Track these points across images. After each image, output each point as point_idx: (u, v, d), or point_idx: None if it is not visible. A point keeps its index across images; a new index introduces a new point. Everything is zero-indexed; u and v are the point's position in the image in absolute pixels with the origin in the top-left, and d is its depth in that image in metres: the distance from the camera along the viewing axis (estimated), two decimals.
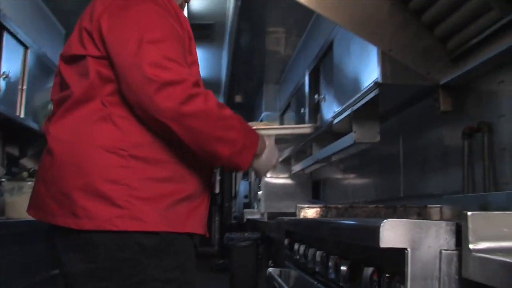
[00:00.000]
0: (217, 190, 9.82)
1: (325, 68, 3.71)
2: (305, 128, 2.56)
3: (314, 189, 5.68)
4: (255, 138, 1.65)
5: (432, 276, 0.89)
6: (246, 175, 8.73)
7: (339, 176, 4.65)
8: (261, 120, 6.26)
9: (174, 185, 1.56)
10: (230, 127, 1.56)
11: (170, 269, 1.51)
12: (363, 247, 1.18)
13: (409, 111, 2.99)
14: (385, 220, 0.90)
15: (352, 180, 4.23)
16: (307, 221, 1.85)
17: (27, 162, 4.52)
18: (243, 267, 4.15)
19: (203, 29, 4.27)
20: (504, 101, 2.12)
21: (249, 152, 1.62)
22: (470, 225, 0.86)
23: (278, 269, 2.17)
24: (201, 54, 5.21)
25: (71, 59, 1.61)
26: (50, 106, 4.18)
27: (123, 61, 1.49)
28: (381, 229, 0.91)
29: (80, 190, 1.47)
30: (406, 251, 0.90)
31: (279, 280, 1.94)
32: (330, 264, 1.34)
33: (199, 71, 1.74)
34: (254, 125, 1.85)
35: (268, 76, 5.98)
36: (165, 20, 1.57)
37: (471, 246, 0.85)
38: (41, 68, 4.02)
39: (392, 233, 0.91)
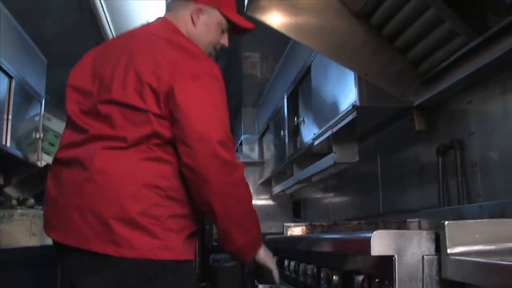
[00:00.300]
0: None
1: (303, 91, 3.84)
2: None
3: (294, 209, 5.79)
4: (261, 239, 1.89)
5: (416, 278, 1.03)
6: None
7: (319, 195, 4.78)
8: (241, 143, 6.37)
9: (189, 221, 1.77)
10: (254, 222, 1.82)
11: (184, 286, 1.73)
12: (352, 258, 1.31)
13: (385, 131, 3.14)
14: (374, 232, 1.04)
15: (332, 199, 4.36)
16: (299, 238, 1.97)
17: (11, 191, 4.56)
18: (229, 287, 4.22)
19: None
20: (473, 119, 2.27)
21: (257, 247, 1.86)
22: (447, 233, 1.00)
23: (268, 285, 2.27)
24: None
25: (123, 105, 1.73)
26: (34, 134, 4.27)
27: (195, 130, 1.68)
28: (372, 239, 1.04)
29: (121, 221, 1.64)
30: (393, 257, 1.04)
31: None
32: (322, 275, 1.47)
33: None
34: None
35: (246, 100, 6.10)
36: (225, 97, 1.78)
37: (448, 251, 0.99)
38: (24, 97, 4.10)
39: (381, 242, 1.05)
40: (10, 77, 3.76)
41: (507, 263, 0.80)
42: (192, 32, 1.96)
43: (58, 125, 4.86)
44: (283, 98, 4.40)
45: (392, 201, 3.08)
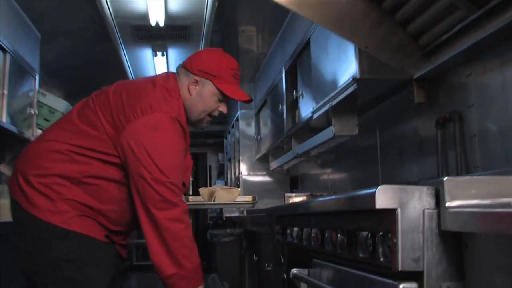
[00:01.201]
0: (190, 192, 9.98)
1: (302, 65, 3.94)
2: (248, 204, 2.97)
3: (292, 185, 5.92)
4: (200, 281, 2.17)
5: (417, 230, 1.16)
6: (222, 175, 8.94)
7: (317, 171, 4.91)
8: (237, 119, 6.48)
9: (96, 213, 2.16)
10: (189, 257, 2.12)
11: (70, 253, 2.09)
12: (355, 217, 1.44)
13: (385, 104, 3.25)
14: (379, 187, 1.17)
15: (331, 173, 4.49)
16: (303, 202, 2.09)
17: (5, 168, 4.65)
18: (228, 262, 4.34)
19: (180, 30, 4.49)
20: (472, 92, 2.39)
21: (190, 284, 2.13)
22: (446, 188, 1.13)
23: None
24: (177, 54, 5.43)
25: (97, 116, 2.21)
26: (29, 110, 4.35)
27: (147, 173, 2.09)
28: (376, 193, 1.18)
29: (33, 187, 2.09)
30: (397, 211, 1.17)
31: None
32: (326, 236, 1.60)
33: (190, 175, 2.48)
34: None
35: (243, 75, 6.14)
36: (180, 148, 2.20)
37: (447, 204, 1.12)
38: (19, 72, 4.18)
39: (385, 196, 1.18)
40: (5, 52, 3.83)
41: (496, 210, 0.93)
42: (188, 99, 2.33)
43: (52, 101, 4.94)
44: (281, 72, 4.49)
45: (391, 174, 3.21)
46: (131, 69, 6.11)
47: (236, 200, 3.14)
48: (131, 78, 6.35)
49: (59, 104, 4.91)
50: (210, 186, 10.32)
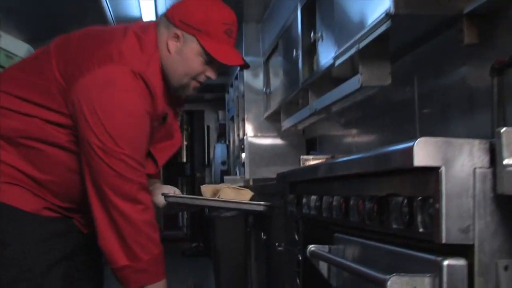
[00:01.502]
0: (184, 159, 10.02)
1: (321, 0, 3.89)
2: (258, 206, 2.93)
3: (308, 149, 5.90)
4: (160, 276, 2.16)
5: (467, 194, 1.12)
6: (222, 137, 8.95)
7: (339, 132, 4.88)
8: (241, 69, 6.42)
9: (32, 184, 2.17)
10: (145, 247, 2.11)
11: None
12: (386, 181, 1.41)
13: (426, 48, 3.19)
14: (418, 139, 1.14)
15: (356, 135, 4.47)
16: (322, 164, 2.07)
17: None
18: (230, 242, 4.33)
19: None
20: None
21: (146, 278, 2.12)
22: (504, 142, 1.09)
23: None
24: None
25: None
26: None
27: (98, 141, 2.08)
28: (414, 148, 1.15)
29: None
30: (440, 169, 1.13)
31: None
32: (351, 203, 1.58)
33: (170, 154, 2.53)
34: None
35: (248, 14, 6.12)
36: (141, 111, 2.16)
37: (505, 162, 1.08)
38: None
39: (426, 151, 1.15)
40: None
41: None
42: (166, 57, 2.26)
43: (10, 43, 4.91)
44: (296, 10, 4.45)
45: (431, 133, 3.14)
46: (110, 8, 6.05)
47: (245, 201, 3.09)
48: (110, 18, 6.29)
49: (19, 48, 4.89)
50: (208, 151, 10.39)
